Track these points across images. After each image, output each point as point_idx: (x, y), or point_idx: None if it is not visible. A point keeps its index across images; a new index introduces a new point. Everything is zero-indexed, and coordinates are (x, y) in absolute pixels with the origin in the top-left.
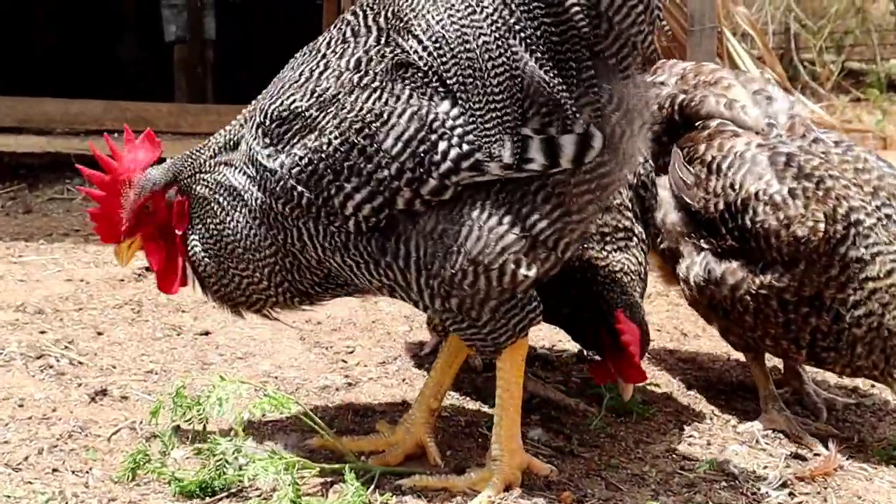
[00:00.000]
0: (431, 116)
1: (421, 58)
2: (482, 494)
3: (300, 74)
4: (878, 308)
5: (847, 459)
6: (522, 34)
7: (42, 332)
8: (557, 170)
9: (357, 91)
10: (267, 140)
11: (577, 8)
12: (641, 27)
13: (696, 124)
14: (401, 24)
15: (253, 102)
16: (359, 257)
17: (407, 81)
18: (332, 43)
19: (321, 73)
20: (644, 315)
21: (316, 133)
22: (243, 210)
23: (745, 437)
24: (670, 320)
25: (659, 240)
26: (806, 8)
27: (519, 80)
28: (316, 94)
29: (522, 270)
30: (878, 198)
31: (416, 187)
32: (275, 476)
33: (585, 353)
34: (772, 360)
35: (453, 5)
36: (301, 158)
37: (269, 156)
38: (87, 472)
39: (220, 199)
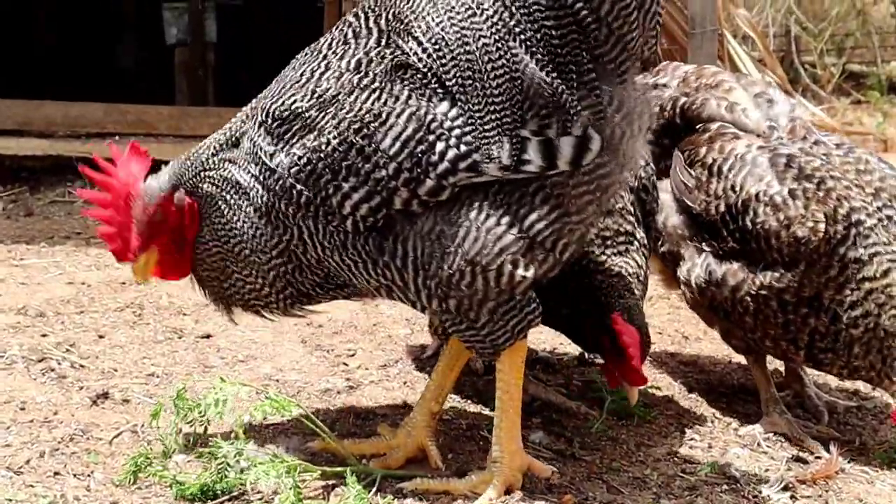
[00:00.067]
0: (430, 117)
1: (420, 59)
2: (482, 497)
3: (301, 75)
4: (874, 308)
5: (848, 462)
6: (522, 36)
7: (43, 336)
8: (555, 171)
9: (357, 91)
10: (268, 139)
11: (577, 12)
12: (640, 32)
13: (698, 127)
14: (401, 26)
15: (254, 101)
16: (357, 256)
17: (406, 82)
18: (334, 44)
19: (322, 74)
20: (644, 318)
21: (315, 133)
22: (248, 209)
23: (747, 441)
24: (671, 323)
25: (660, 243)
26: (807, 10)
27: (518, 82)
28: (316, 95)
29: (520, 271)
30: (880, 199)
31: (413, 188)
32: (276, 479)
33: (587, 355)
34: (773, 363)
35: (453, 7)
36: (300, 158)
37: (270, 154)
38: (89, 476)
39: (227, 197)
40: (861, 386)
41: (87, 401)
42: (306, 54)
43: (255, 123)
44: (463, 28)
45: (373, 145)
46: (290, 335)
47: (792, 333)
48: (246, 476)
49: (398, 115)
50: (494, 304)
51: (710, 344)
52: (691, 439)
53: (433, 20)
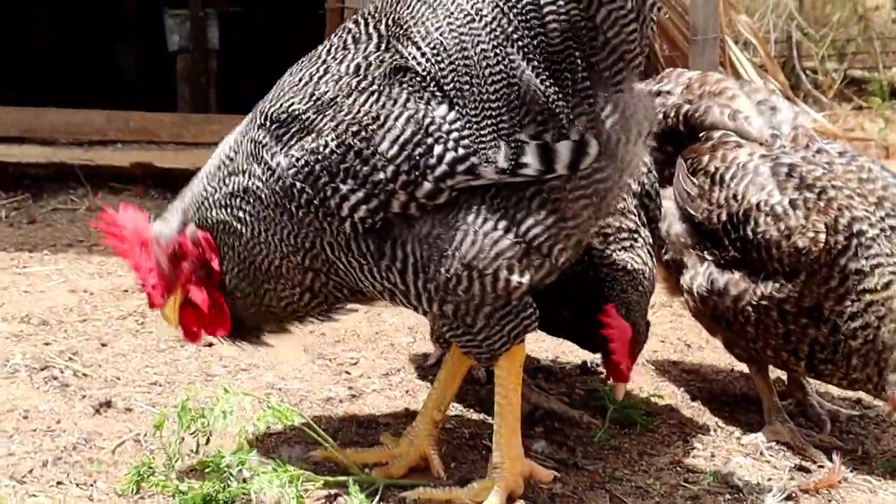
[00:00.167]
0: (428, 120)
1: (419, 63)
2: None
3: (300, 79)
4: (874, 320)
5: (851, 472)
6: (520, 43)
7: (46, 344)
8: (553, 176)
9: (355, 94)
10: (268, 140)
11: (572, 19)
12: (637, 40)
13: (701, 135)
14: (401, 31)
15: (248, 117)
16: (362, 259)
17: (404, 85)
18: (333, 50)
19: (320, 78)
20: (645, 316)
21: (314, 135)
22: (265, 211)
23: (749, 449)
24: (674, 331)
25: (663, 251)
26: (808, 16)
27: (515, 87)
28: (314, 98)
29: (516, 277)
30: (883, 208)
31: (411, 190)
32: (279, 489)
33: (590, 364)
34: (775, 372)
35: (452, 13)
36: (298, 160)
37: (270, 154)
38: (92, 485)
39: (240, 213)
40: (864, 395)
41: (89, 409)
42: (305, 60)
43: (254, 126)
44: (462, 34)
45: (371, 148)
46: (292, 343)
47: (793, 344)
48: (249, 486)
49: (396, 118)
50: (491, 308)
51: (712, 352)
52: (694, 448)
53: (432, 25)
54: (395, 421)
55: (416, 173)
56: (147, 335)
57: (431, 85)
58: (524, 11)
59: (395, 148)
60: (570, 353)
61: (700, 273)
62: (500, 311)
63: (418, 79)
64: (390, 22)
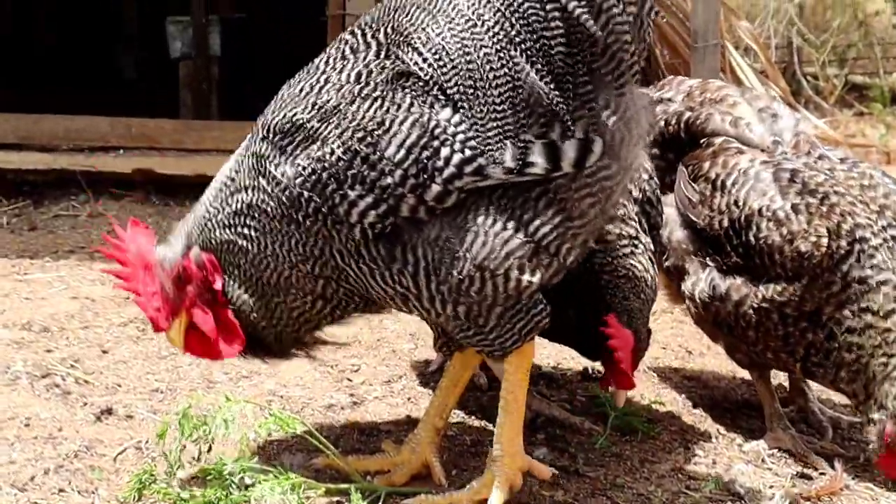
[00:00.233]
0: (433, 123)
1: (421, 68)
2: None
3: (300, 90)
4: (868, 346)
5: (853, 479)
6: (523, 46)
7: (48, 351)
8: (559, 174)
9: (358, 101)
10: (272, 151)
11: (573, 28)
12: (634, 47)
13: (702, 142)
14: (401, 38)
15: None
16: (372, 264)
17: (408, 90)
18: (331, 61)
19: (321, 88)
20: (647, 323)
21: (319, 143)
22: (271, 223)
23: (751, 456)
24: (675, 338)
25: (665, 257)
26: (809, 22)
27: (519, 90)
28: (317, 106)
29: (527, 276)
30: (885, 217)
31: (420, 193)
32: (281, 496)
33: (591, 370)
34: (777, 378)
35: (453, 19)
36: (304, 168)
37: (274, 165)
38: (94, 493)
39: (246, 230)
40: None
41: (91, 417)
42: (302, 73)
43: (256, 140)
44: (463, 38)
45: (377, 153)
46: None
47: (790, 346)
48: (250, 493)
49: (401, 123)
50: (502, 308)
51: (713, 359)
52: (695, 455)
53: (433, 31)
54: (396, 428)
55: (425, 176)
56: (148, 342)
57: (434, 89)
58: (526, 16)
59: (402, 152)
60: (571, 359)
61: (702, 279)
62: (511, 310)
63: (421, 83)
64: (389, 30)
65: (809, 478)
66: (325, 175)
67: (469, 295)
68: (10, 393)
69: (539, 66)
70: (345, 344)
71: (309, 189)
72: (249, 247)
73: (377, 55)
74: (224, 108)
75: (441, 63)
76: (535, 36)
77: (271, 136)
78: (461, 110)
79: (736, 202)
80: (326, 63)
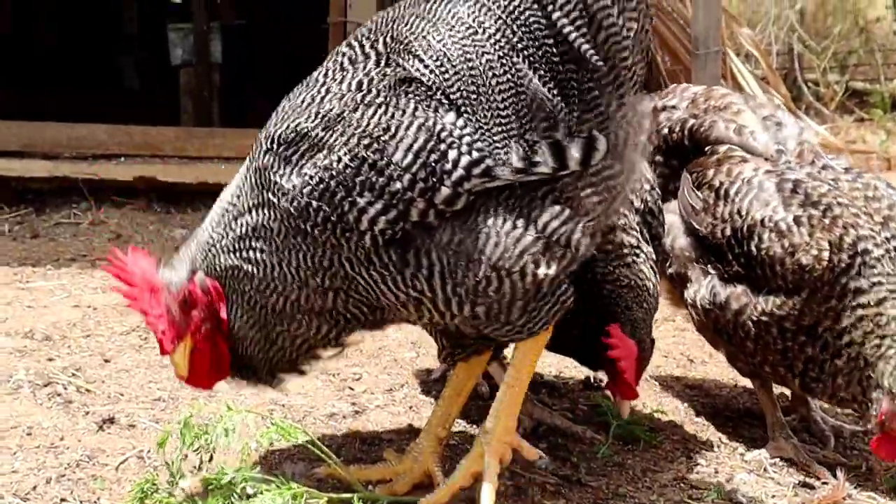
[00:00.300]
0: (439, 127)
1: (423, 74)
2: (486, 487)
3: (301, 102)
4: (859, 337)
5: (855, 488)
6: (525, 52)
7: (50, 360)
8: (565, 173)
9: (362, 108)
10: (277, 162)
11: (574, 36)
12: (635, 53)
13: (706, 149)
14: (401, 47)
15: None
16: (384, 270)
17: (411, 95)
18: (330, 73)
19: (323, 98)
20: (650, 333)
21: (325, 151)
22: (277, 243)
23: (753, 466)
24: (677, 346)
25: (668, 264)
26: (809, 28)
27: (523, 94)
28: (321, 115)
29: (542, 269)
30: (888, 229)
31: (429, 197)
32: None
33: (593, 379)
34: (779, 388)
35: (453, 27)
36: (311, 177)
37: (280, 176)
38: (96, 502)
39: (251, 254)
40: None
41: (93, 426)
42: (301, 87)
43: (259, 155)
44: (465, 45)
45: (385, 158)
46: None
47: (789, 360)
48: (252, 502)
49: (407, 128)
50: (524, 301)
51: (715, 367)
52: (697, 464)
53: (434, 39)
54: (398, 437)
55: (434, 179)
56: (150, 351)
57: (438, 93)
58: (528, 23)
59: (410, 156)
60: (573, 368)
61: (703, 286)
62: (534, 300)
63: (424, 88)
64: (388, 39)
65: (812, 487)
66: (332, 183)
67: (487, 295)
68: (13, 402)
69: (542, 72)
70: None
71: (317, 198)
72: (255, 271)
73: (377, 64)
74: (225, 115)
75: (443, 69)
76: (536, 43)
77: (275, 147)
78: (465, 114)
79: (739, 211)
80: (326, 75)
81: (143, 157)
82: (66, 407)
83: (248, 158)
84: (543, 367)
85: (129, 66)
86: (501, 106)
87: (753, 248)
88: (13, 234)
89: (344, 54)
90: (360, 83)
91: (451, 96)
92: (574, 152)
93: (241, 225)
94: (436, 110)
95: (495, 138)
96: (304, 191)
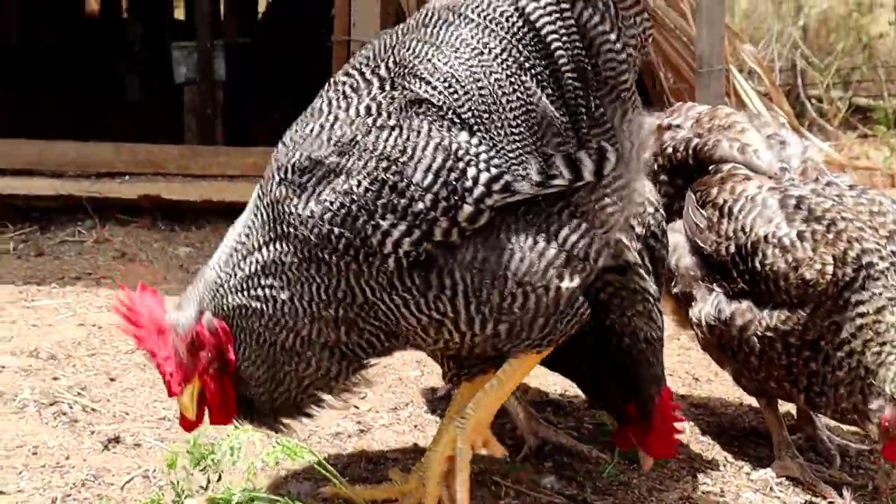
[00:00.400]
0: (455, 146)
1: (433, 96)
2: (458, 479)
3: (310, 131)
4: (860, 346)
5: None
6: (533, 71)
7: (55, 379)
8: (581, 183)
9: (375, 131)
10: (292, 192)
11: (578, 59)
12: (631, 77)
13: (710, 168)
14: (405, 70)
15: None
16: (406, 294)
17: (423, 116)
18: (334, 102)
19: (332, 126)
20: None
21: (343, 176)
22: (289, 278)
23: (759, 485)
24: (681, 364)
25: (673, 283)
26: (812, 45)
27: (533, 113)
28: (333, 141)
29: (566, 283)
30: (894, 242)
31: (452, 215)
32: None
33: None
34: (785, 406)
35: (458, 49)
36: (332, 203)
37: (297, 206)
38: None
39: (261, 292)
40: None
41: (98, 445)
42: (303, 118)
43: (270, 188)
44: (472, 66)
45: (405, 180)
46: None
47: (794, 375)
48: None
49: (424, 148)
50: (545, 318)
51: (720, 385)
52: (703, 483)
53: (440, 62)
54: (404, 456)
55: (455, 198)
56: (155, 370)
57: (450, 113)
58: (533, 43)
59: (430, 176)
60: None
61: (708, 303)
62: (555, 314)
63: (435, 108)
64: (391, 64)
65: None
66: (354, 208)
67: (512, 311)
68: (18, 421)
69: (549, 90)
70: None
71: (339, 224)
72: (265, 308)
73: (382, 88)
74: (229, 133)
75: (452, 90)
76: (543, 63)
77: (289, 176)
78: (479, 133)
79: (743, 228)
80: (329, 104)
81: (148, 175)
82: (72, 426)
83: (255, 196)
84: (548, 385)
85: (133, 84)
86: (514, 124)
87: (757, 264)
88: (18, 253)
89: (344, 83)
90: (368, 108)
91: (463, 116)
92: (588, 163)
93: (251, 263)
94: (449, 130)
95: (511, 155)
96: (325, 217)
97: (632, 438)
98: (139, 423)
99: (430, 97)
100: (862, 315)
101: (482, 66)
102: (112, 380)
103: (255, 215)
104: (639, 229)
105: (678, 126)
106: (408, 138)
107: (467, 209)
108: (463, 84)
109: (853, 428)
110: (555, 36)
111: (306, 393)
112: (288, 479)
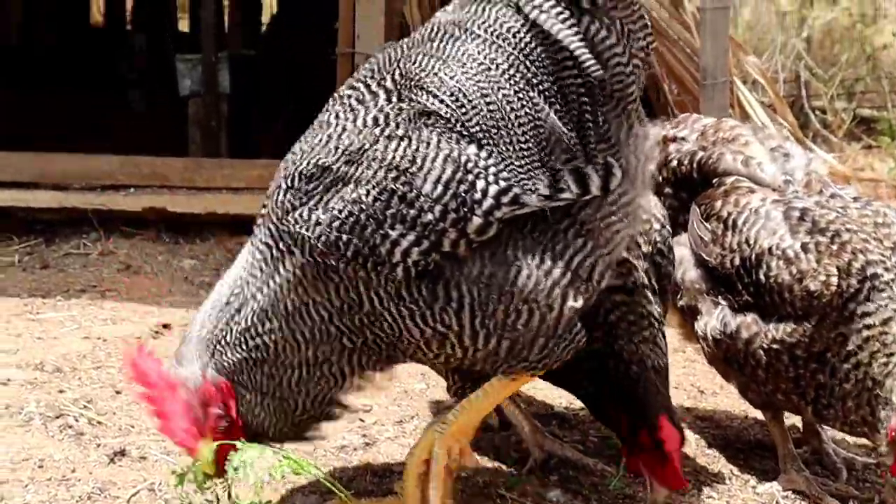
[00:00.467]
0: (464, 158)
1: (440, 108)
2: (432, 484)
3: (318, 141)
4: (866, 357)
5: None
6: (540, 87)
7: (61, 392)
8: (588, 198)
9: (383, 140)
10: (298, 201)
11: (585, 73)
12: (636, 90)
13: (714, 181)
14: (412, 83)
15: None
16: (413, 305)
17: (432, 128)
18: (340, 114)
19: (339, 136)
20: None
21: (352, 185)
22: (287, 312)
23: (765, 498)
24: (687, 377)
25: (678, 297)
26: (816, 56)
27: (542, 127)
28: (341, 150)
29: (570, 303)
30: None
31: (462, 227)
32: None
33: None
34: (791, 419)
35: (465, 64)
36: (341, 212)
37: (303, 213)
38: None
39: (259, 341)
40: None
41: (104, 458)
42: (310, 131)
43: (277, 197)
44: (479, 81)
45: (414, 191)
46: None
47: (801, 388)
48: None
49: (433, 160)
50: (545, 338)
51: (726, 398)
52: (709, 497)
53: (447, 76)
54: None
55: (465, 209)
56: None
57: (458, 125)
58: (540, 58)
59: (440, 188)
60: None
61: (714, 316)
62: (554, 336)
63: (443, 121)
64: (397, 77)
65: None
66: (363, 216)
67: (516, 328)
68: (24, 434)
69: (557, 105)
70: None
71: (347, 231)
72: (265, 355)
73: (389, 100)
74: (233, 145)
75: (459, 104)
76: (551, 78)
77: (297, 183)
78: (487, 147)
79: (747, 241)
80: (336, 117)
81: (153, 187)
82: (78, 439)
83: (248, 245)
84: (553, 398)
85: (137, 96)
86: (522, 138)
87: (762, 277)
88: (23, 265)
89: (349, 96)
90: (375, 119)
91: (471, 129)
92: (595, 178)
93: (247, 313)
94: (458, 142)
95: (519, 168)
96: (333, 224)
97: (643, 469)
98: (145, 436)
99: (438, 110)
100: (868, 327)
101: (490, 82)
102: (118, 393)
103: (251, 257)
104: (645, 247)
105: (683, 138)
106: (417, 149)
107: (476, 221)
108: (470, 98)
109: (859, 441)
110: (562, 51)
111: (316, 407)
112: (294, 493)
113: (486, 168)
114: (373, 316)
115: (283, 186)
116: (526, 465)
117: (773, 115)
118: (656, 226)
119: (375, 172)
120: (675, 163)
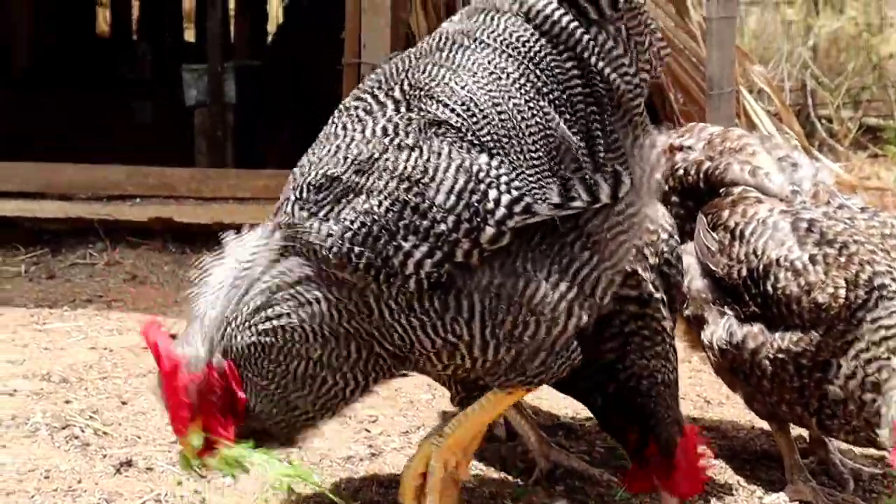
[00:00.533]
0: (476, 167)
1: (451, 118)
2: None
3: (327, 152)
4: (872, 365)
5: None
6: (550, 96)
7: (67, 402)
8: (597, 206)
9: (393, 150)
10: (308, 211)
11: (593, 82)
12: (642, 100)
13: (721, 191)
14: (421, 93)
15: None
16: (424, 316)
17: (442, 138)
18: (348, 125)
19: (348, 146)
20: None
21: (363, 196)
22: (303, 300)
23: None
24: (693, 387)
25: (685, 306)
26: (822, 65)
27: (552, 136)
28: (350, 160)
29: (574, 319)
30: None
31: (475, 237)
32: None
33: None
34: (797, 429)
35: (475, 73)
36: (352, 223)
37: (312, 224)
38: None
39: (269, 325)
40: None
41: (110, 469)
42: (317, 143)
43: (286, 206)
44: (490, 90)
45: (427, 201)
46: None
47: (805, 398)
48: None
49: (445, 170)
50: (546, 353)
51: (732, 409)
52: None
53: (457, 85)
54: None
55: (478, 219)
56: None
57: (469, 135)
58: (549, 67)
59: (453, 198)
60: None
61: (720, 326)
62: (552, 354)
63: (454, 131)
64: (406, 87)
65: None
66: (375, 228)
67: (522, 340)
68: (30, 444)
69: (567, 115)
70: None
71: (360, 243)
72: (274, 340)
73: (397, 110)
74: (239, 155)
75: (470, 113)
76: (560, 87)
77: (306, 194)
78: (498, 156)
79: (754, 251)
80: (344, 128)
81: (159, 197)
82: (84, 450)
83: (259, 233)
84: (559, 408)
85: (143, 107)
86: (533, 148)
87: (769, 288)
88: (29, 275)
89: (356, 107)
90: (384, 129)
91: (482, 139)
92: (604, 186)
93: (257, 295)
94: (469, 152)
95: (530, 178)
96: (346, 236)
97: (654, 481)
98: (151, 447)
99: (448, 119)
100: (875, 333)
101: (500, 91)
102: (124, 403)
103: (259, 249)
104: (652, 259)
105: (690, 147)
106: (428, 159)
107: (489, 231)
108: (481, 108)
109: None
110: (570, 61)
111: (321, 412)
112: (300, 503)
113: (498, 177)
114: (383, 326)
115: (293, 198)
116: (532, 476)
117: (779, 125)
118: (664, 236)
119: (387, 183)
120: (681, 172)
